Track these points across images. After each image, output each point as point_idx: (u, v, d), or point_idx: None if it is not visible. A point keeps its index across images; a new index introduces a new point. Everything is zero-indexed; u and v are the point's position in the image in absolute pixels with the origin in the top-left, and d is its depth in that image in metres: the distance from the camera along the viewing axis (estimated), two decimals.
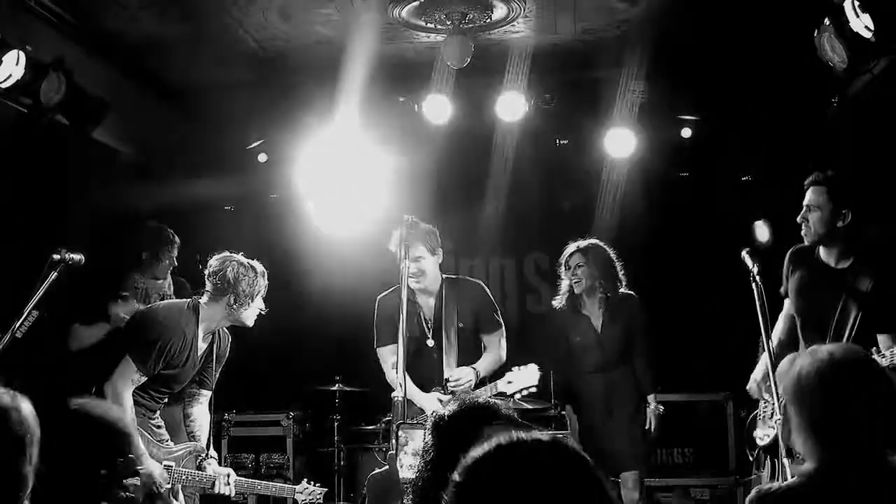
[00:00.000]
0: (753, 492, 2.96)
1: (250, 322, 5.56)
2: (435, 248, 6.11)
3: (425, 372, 6.04)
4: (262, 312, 5.59)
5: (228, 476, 5.50)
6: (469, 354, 6.12)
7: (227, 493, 5.50)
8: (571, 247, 6.79)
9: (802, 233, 5.33)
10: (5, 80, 5.87)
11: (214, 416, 8.14)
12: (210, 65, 7.55)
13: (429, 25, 7.01)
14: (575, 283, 6.66)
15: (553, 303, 6.86)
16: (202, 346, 5.55)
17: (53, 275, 5.08)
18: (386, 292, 6.21)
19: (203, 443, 5.63)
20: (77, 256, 5.22)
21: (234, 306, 5.45)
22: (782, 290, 5.65)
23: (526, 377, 5.92)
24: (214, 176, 8.56)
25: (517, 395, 5.94)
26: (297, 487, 5.80)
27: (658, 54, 7.48)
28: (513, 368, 6.01)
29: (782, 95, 7.72)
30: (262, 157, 8.92)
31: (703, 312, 8.47)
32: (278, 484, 6.00)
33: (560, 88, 8.26)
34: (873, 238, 5.30)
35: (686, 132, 8.52)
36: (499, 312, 6.33)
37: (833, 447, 2.86)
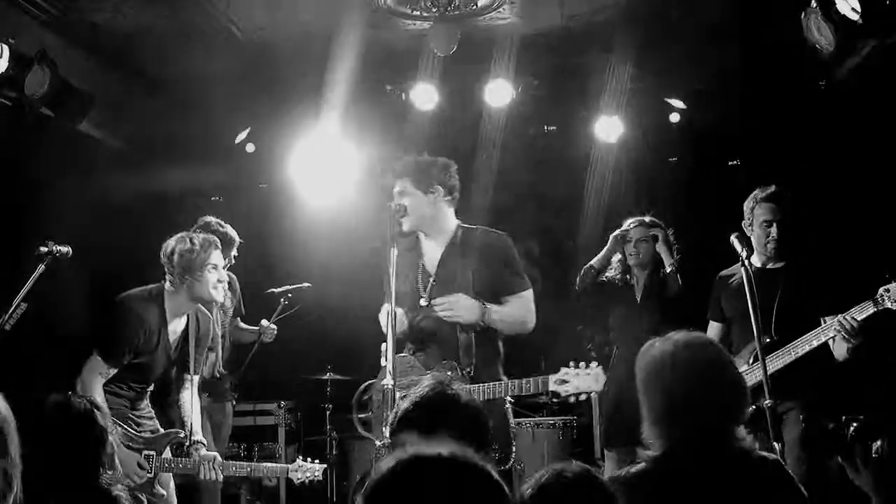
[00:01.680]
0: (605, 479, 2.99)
1: (209, 296, 5.40)
2: (429, 184, 5.05)
3: (418, 335, 5.05)
4: (222, 282, 5.44)
5: (214, 460, 5.40)
6: (489, 338, 4.97)
7: (213, 478, 5.41)
8: (634, 220, 6.78)
9: (770, 248, 5.49)
10: None
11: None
12: (195, 55, 7.50)
13: (415, 13, 6.98)
14: (630, 255, 6.64)
15: (607, 274, 6.80)
16: (175, 330, 5.46)
17: (41, 268, 5.08)
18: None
19: (194, 427, 5.51)
20: (65, 249, 5.21)
21: (187, 283, 5.32)
22: (709, 314, 5.87)
23: (588, 381, 4.60)
24: (202, 166, 8.53)
25: (571, 399, 4.72)
26: (291, 466, 5.61)
27: (645, 39, 7.47)
28: (571, 364, 4.67)
29: (770, 79, 7.72)
30: (249, 147, 8.90)
31: (692, 298, 8.48)
32: (269, 464, 5.87)
33: (547, 75, 8.26)
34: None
35: (674, 117, 8.52)
36: (523, 273, 5.12)
37: (674, 429, 2.96)
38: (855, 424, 3.00)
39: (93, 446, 2.97)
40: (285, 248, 8.86)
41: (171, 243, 5.38)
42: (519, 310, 4.95)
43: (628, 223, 6.77)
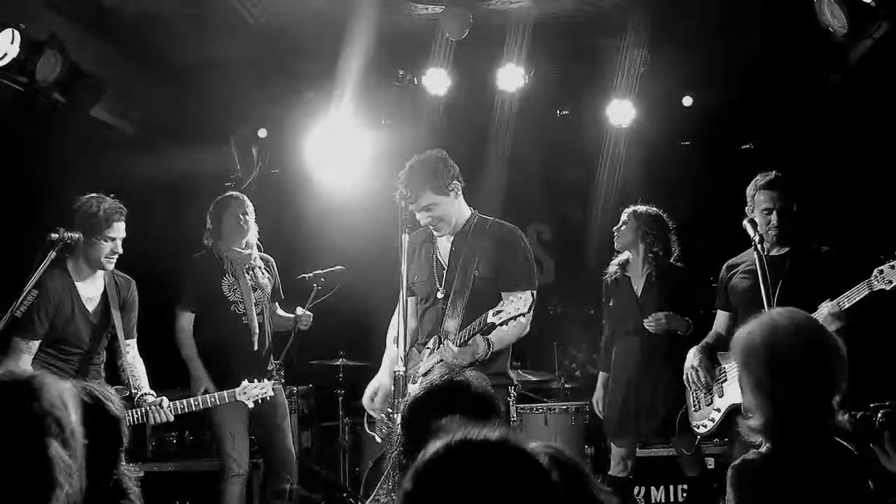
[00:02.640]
0: (730, 470, 2.99)
1: (101, 264, 5.41)
2: (447, 185, 5.04)
3: (431, 327, 5.14)
4: (116, 254, 5.43)
5: (161, 403, 5.49)
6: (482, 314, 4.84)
7: (164, 419, 5.52)
8: (637, 210, 6.68)
9: (772, 235, 5.39)
10: (1, 59, 5.84)
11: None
12: (208, 40, 7.49)
13: None
14: (615, 239, 6.62)
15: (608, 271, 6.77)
16: (88, 296, 5.47)
17: (52, 254, 5.09)
18: (418, 230, 5.25)
19: (140, 383, 5.64)
20: (76, 235, 5.23)
21: (81, 245, 5.32)
22: (717, 304, 5.83)
23: (517, 304, 4.66)
24: (214, 152, 8.54)
25: (504, 327, 4.70)
26: (237, 390, 5.75)
27: (658, 23, 7.43)
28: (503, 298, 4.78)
29: (783, 62, 7.68)
30: (262, 133, 8.88)
31: (706, 282, 8.45)
32: (216, 393, 5.83)
33: (560, 59, 8.23)
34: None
35: (687, 101, 8.47)
36: (534, 271, 5.18)
37: (780, 393, 2.89)
38: (883, 411, 3.01)
39: (107, 436, 2.93)
40: (297, 234, 8.85)
41: (81, 199, 5.41)
42: (514, 328, 4.81)
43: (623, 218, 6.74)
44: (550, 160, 9.43)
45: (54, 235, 5.12)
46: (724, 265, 5.79)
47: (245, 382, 5.78)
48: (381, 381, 5.27)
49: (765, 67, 7.80)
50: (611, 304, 6.68)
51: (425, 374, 4.83)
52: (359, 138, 8.28)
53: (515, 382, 5.31)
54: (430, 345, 5.06)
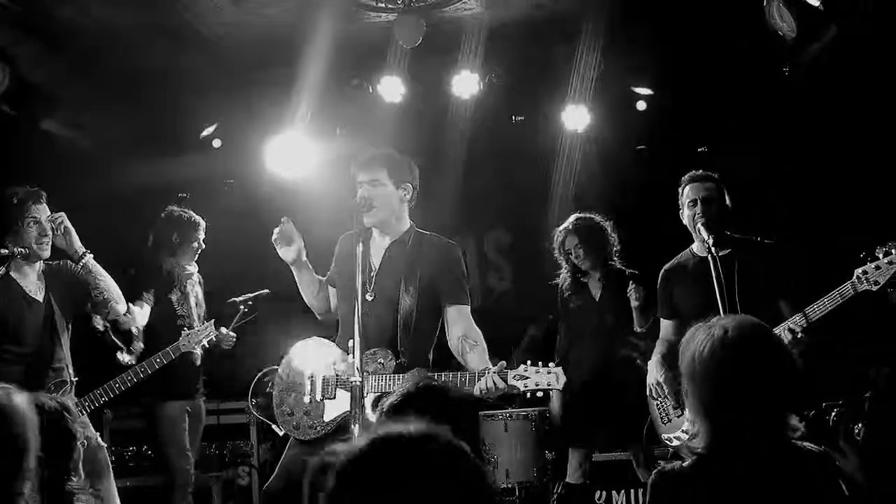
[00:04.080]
0: (654, 473, 2.84)
1: (34, 251, 5.27)
2: (401, 179, 4.94)
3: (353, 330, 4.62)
4: (46, 237, 5.31)
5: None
6: (420, 331, 4.84)
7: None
8: (562, 230, 6.76)
9: (700, 224, 5.31)
10: None
11: None
12: (162, 52, 7.44)
13: (380, 5, 6.96)
14: (578, 262, 6.65)
15: (557, 281, 6.81)
16: (29, 286, 5.33)
17: (1, 270, 5.03)
18: (351, 231, 5.06)
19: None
20: (25, 251, 5.17)
21: (9, 235, 5.25)
22: (659, 312, 5.77)
23: (548, 378, 4.50)
24: (170, 163, 8.46)
25: (528, 395, 4.54)
26: (181, 341, 5.81)
27: (611, 27, 7.47)
28: (529, 362, 4.55)
29: (735, 65, 7.74)
30: (216, 143, 8.83)
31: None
32: (161, 352, 5.74)
33: (514, 64, 8.24)
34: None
35: (641, 105, 8.51)
36: (467, 285, 5.03)
37: (724, 418, 2.74)
38: (836, 410, 2.98)
39: (61, 451, 2.90)
40: (252, 245, 8.77)
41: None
42: (483, 355, 4.72)
43: (559, 235, 6.79)
44: (506, 166, 9.45)
45: (4, 251, 5.07)
46: (662, 271, 5.72)
47: (184, 332, 5.81)
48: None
49: (717, 69, 7.86)
50: (570, 307, 6.71)
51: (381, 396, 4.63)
52: (314, 147, 8.24)
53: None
54: (379, 357, 4.77)
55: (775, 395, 2.72)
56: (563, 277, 6.80)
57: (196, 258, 6.73)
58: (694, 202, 5.38)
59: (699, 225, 5.28)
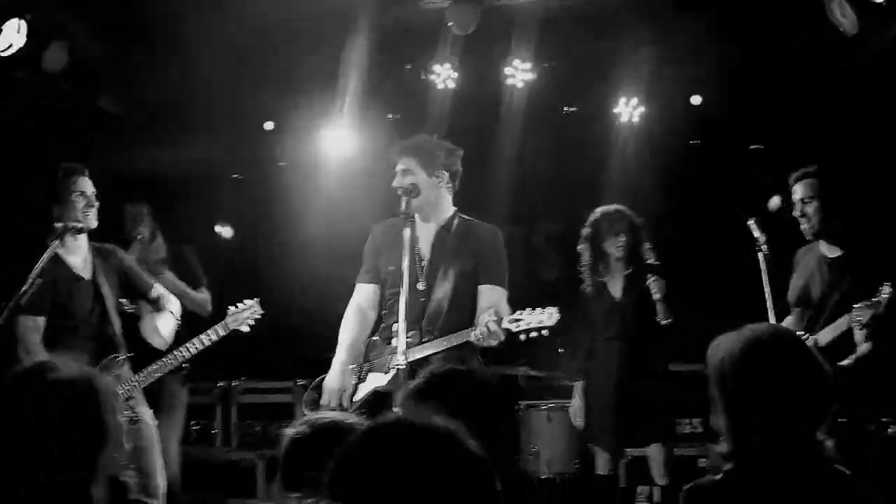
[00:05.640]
0: (685, 490, 2.76)
1: (80, 221, 5.30)
2: (436, 168, 5.04)
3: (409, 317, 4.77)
4: (92, 207, 5.37)
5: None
6: (460, 308, 4.96)
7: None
8: (611, 209, 6.58)
9: (803, 226, 5.29)
10: (6, 50, 5.84)
11: (223, 384, 8.23)
12: (217, 33, 7.47)
13: None
14: (617, 247, 6.45)
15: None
16: (75, 263, 5.38)
17: (56, 243, 5.08)
18: (388, 220, 5.25)
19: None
20: (80, 225, 5.22)
21: (57, 211, 5.31)
22: (790, 296, 5.61)
23: (540, 317, 4.64)
24: (222, 144, 8.52)
25: (522, 336, 4.66)
26: (228, 320, 5.55)
27: (668, 19, 7.39)
28: (526, 308, 4.72)
29: (794, 61, 7.64)
30: (268, 125, 8.88)
31: (713, 281, 8.41)
32: (210, 329, 5.55)
33: (568, 54, 8.18)
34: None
35: (696, 99, 8.41)
36: (506, 271, 5.13)
37: (749, 429, 2.67)
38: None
39: (94, 426, 2.84)
40: (300, 227, 8.83)
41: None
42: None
43: (599, 215, 6.59)
44: (558, 156, 9.38)
45: (59, 224, 5.13)
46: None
47: (231, 308, 5.62)
48: (345, 383, 5.10)
49: (775, 66, 7.75)
50: (590, 308, 6.57)
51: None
52: (364, 133, 8.27)
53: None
54: (409, 336, 4.74)
55: (807, 408, 2.66)
56: (586, 276, 6.60)
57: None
58: (803, 201, 5.31)
59: (804, 226, 5.30)
